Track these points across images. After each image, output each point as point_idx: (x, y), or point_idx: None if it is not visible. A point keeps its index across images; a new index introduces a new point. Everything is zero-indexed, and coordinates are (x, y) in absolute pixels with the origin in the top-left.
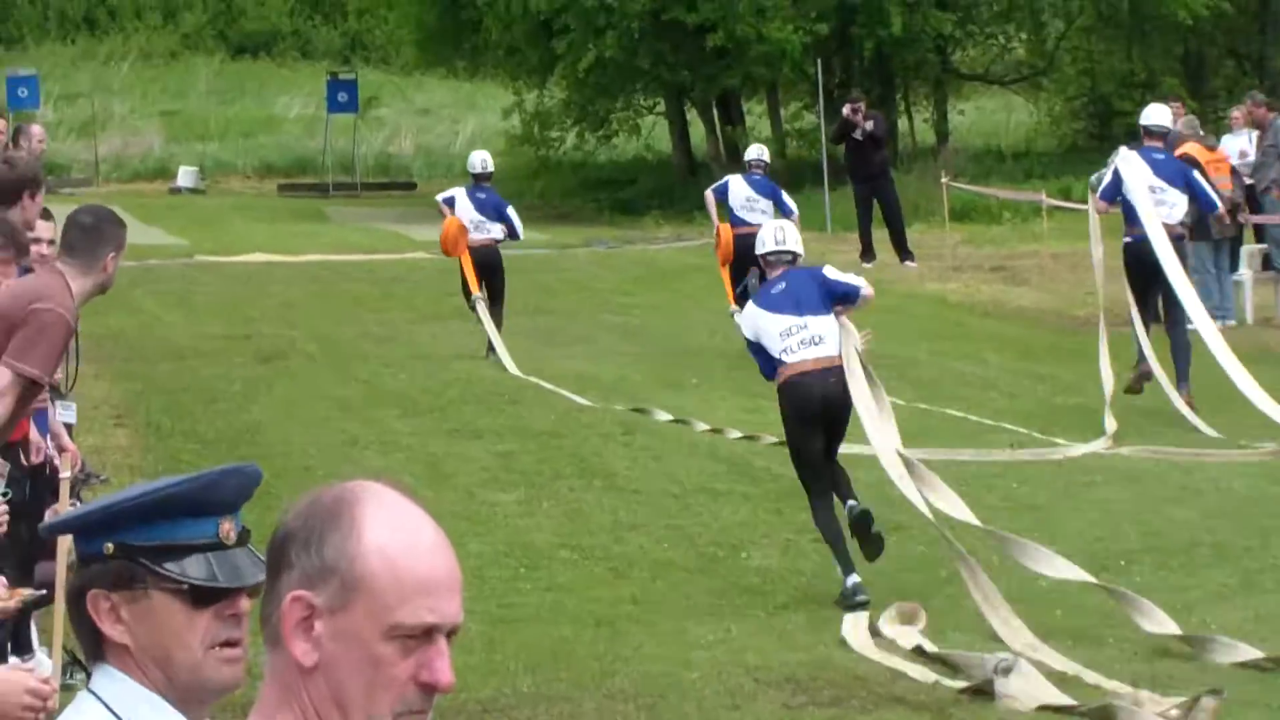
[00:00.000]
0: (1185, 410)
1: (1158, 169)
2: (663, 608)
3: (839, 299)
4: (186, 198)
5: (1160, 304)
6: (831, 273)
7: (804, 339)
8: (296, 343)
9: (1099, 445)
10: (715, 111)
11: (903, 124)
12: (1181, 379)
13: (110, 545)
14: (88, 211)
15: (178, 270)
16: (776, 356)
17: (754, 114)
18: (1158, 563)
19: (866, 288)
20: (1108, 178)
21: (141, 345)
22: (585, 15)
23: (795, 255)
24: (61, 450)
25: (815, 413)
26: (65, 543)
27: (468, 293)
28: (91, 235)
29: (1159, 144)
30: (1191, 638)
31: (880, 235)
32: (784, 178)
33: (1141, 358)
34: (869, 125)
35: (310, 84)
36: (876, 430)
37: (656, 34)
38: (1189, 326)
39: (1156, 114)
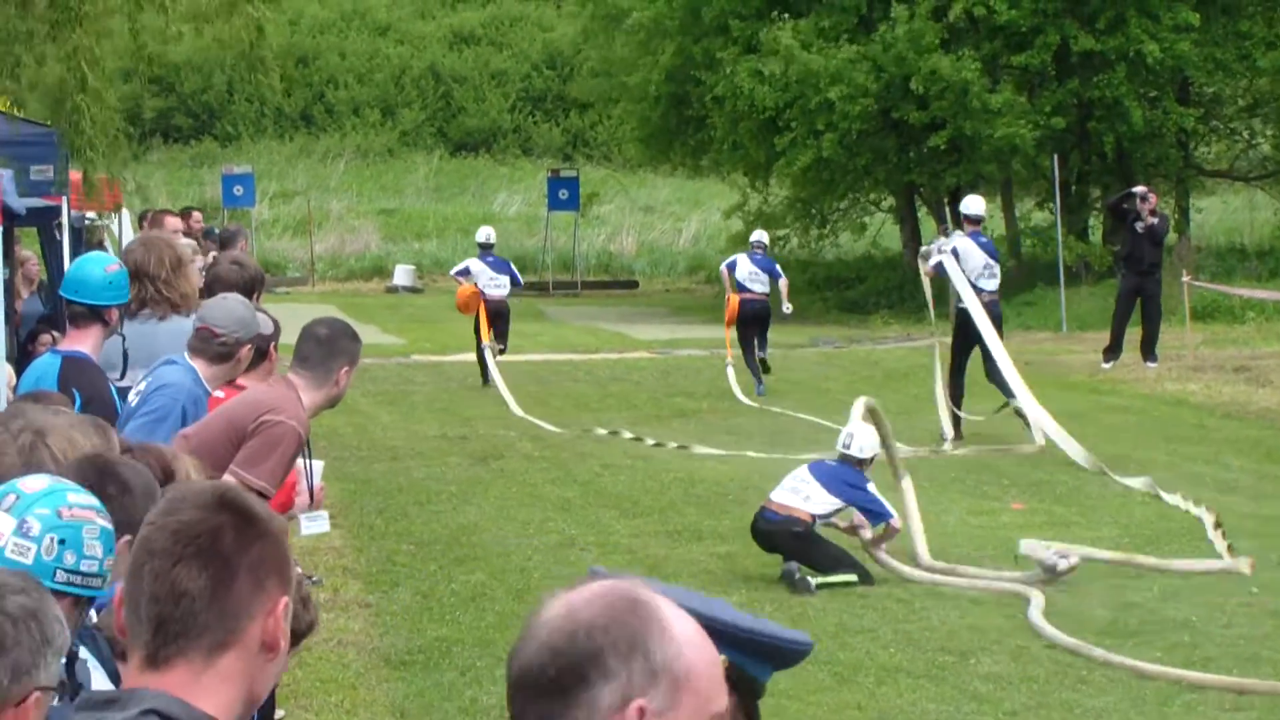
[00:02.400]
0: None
1: (987, 250)
2: (889, 714)
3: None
4: (403, 296)
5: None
6: (870, 491)
7: (794, 488)
8: (514, 443)
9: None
10: (947, 209)
11: None
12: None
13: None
14: (323, 324)
15: (394, 369)
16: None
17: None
18: None
19: (868, 531)
20: (940, 258)
21: (356, 445)
22: (808, 115)
23: (860, 460)
24: None
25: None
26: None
27: (479, 341)
28: (326, 348)
29: (978, 229)
30: None
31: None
32: (1018, 276)
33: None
34: (1154, 220)
35: (530, 180)
36: None
37: (881, 132)
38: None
39: (974, 204)
